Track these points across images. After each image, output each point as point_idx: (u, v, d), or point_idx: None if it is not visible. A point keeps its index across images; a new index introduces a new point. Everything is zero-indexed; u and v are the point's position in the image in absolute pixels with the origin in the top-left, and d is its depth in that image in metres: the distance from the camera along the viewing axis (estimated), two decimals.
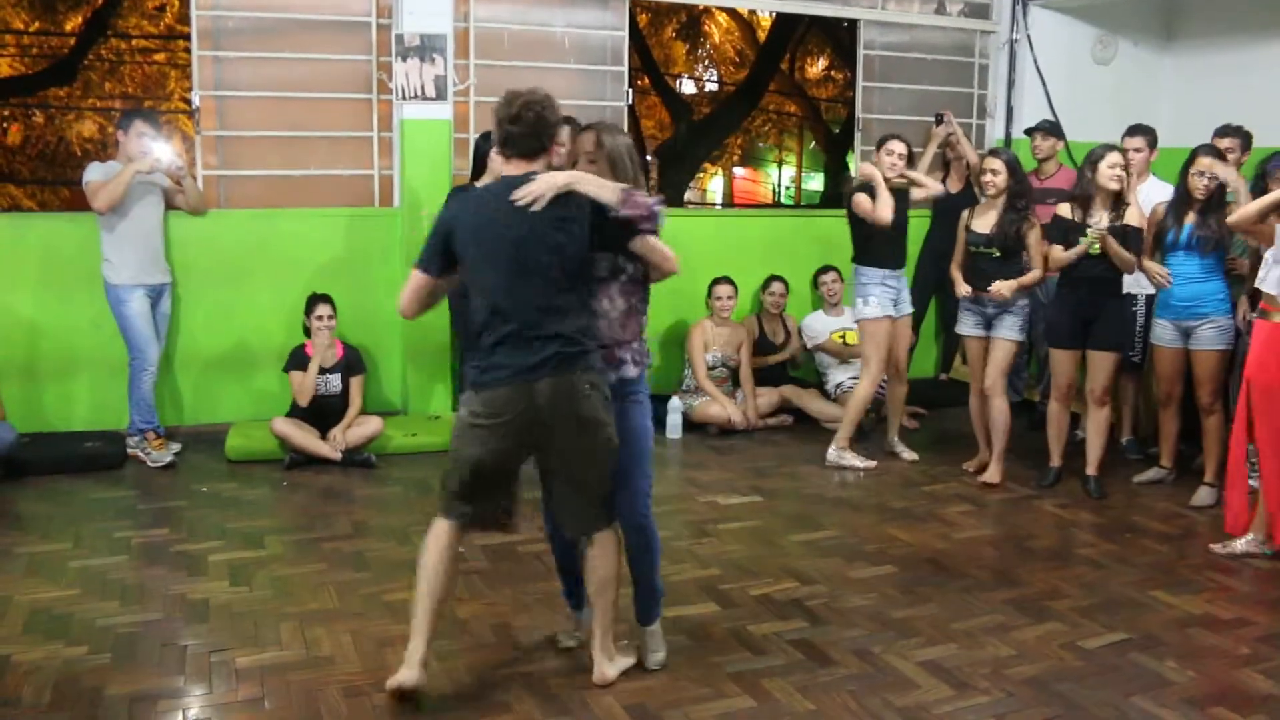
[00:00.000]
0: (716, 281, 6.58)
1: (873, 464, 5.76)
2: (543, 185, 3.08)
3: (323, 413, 5.73)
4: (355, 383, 5.81)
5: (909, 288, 5.95)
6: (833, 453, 5.77)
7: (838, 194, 13.76)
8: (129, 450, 5.70)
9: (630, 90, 6.94)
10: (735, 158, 20.26)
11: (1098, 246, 5.05)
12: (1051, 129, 6.56)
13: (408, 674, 3.12)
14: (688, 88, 17.69)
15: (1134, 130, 5.92)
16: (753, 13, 13.68)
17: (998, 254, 5.36)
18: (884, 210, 5.44)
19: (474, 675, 3.36)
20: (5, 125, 14.86)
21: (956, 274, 5.54)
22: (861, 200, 5.50)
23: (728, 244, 7.09)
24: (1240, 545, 4.50)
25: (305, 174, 6.34)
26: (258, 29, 6.22)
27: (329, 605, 3.89)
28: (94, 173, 5.54)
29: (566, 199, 3.09)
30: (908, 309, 5.87)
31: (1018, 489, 5.41)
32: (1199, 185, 5.04)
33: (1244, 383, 4.54)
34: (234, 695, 3.24)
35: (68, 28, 13.02)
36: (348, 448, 5.64)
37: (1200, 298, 5.10)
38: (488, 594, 4.00)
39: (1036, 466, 5.58)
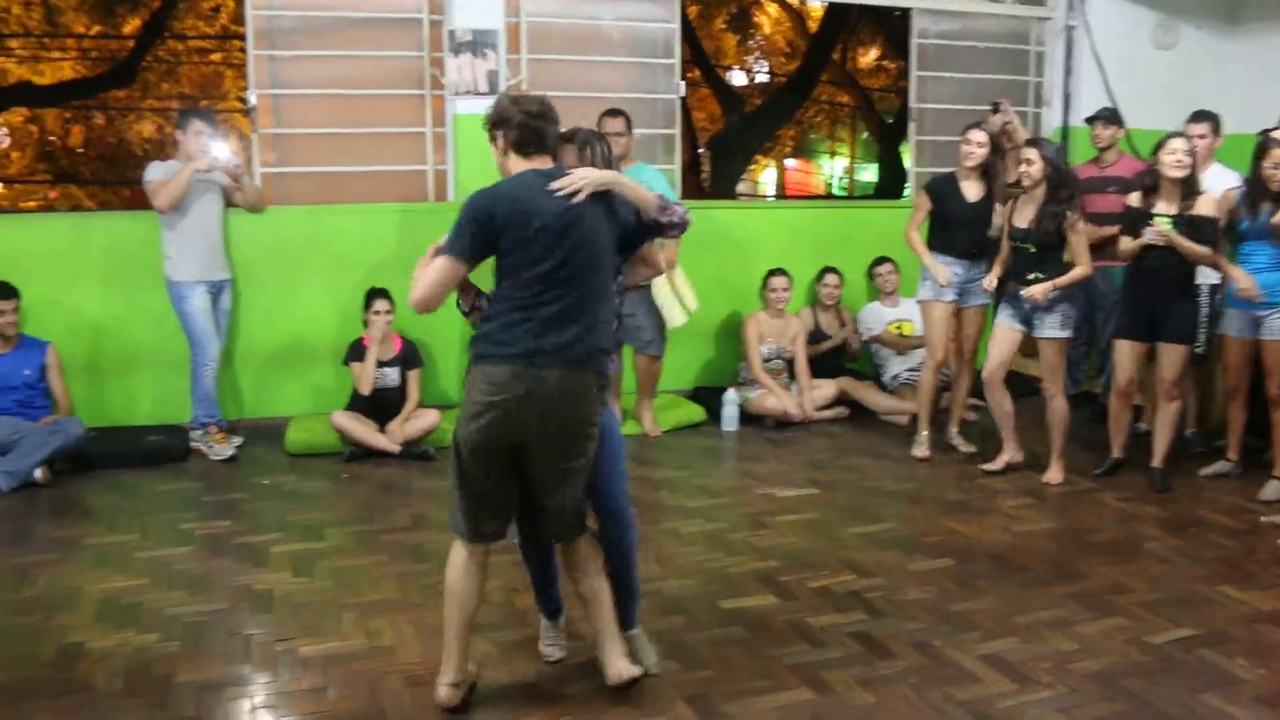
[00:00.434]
0: (771, 273, 6.56)
1: (927, 455, 5.73)
2: (584, 179, 3.06)
3: (381, 406, 5.79)
4: (413, 376, 5.86)
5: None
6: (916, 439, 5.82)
7: (892, 184, 13.72)
8: (192, 444, 5.80)
9: (682, 82, 6.92)
10: (787, 149, 20.17)
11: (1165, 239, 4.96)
12: (1112, 116, 6.45)
13: (452, 693, 3.12)
14: (738, 79, 17.62)
15: (1197, 116, 5.80)
16: (803, 3, 13.60)
17: (1034, 249, 5.20)
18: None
19: (533, 666, 3.38)
20: (68, 127, 15.17)
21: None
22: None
23: (781, 236, 7.07)
24: None
25: (360, 170, 6.41)
26: (312, 27, 6.29)
27: (389, 596, 3.93)
28: (155, 172, 5.63)
29: (603, 197, 3.09)
30: (979, 300, 5.75)
31: (1079, 482, 5.33)
32: (1276, 177, 4.93)
33: None
34: (298, 684, 3.28)
35: (126, 30, 13.25)
36: (406, 440, 5.70)
37: (1271, 287, 5.00)
38: None
39: (1098, 459, 5.49)
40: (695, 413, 6.50)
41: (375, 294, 5.84)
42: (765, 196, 21.06)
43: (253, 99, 6.23)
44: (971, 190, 5.60)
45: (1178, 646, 3.54)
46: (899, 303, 6.89)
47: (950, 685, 3.27)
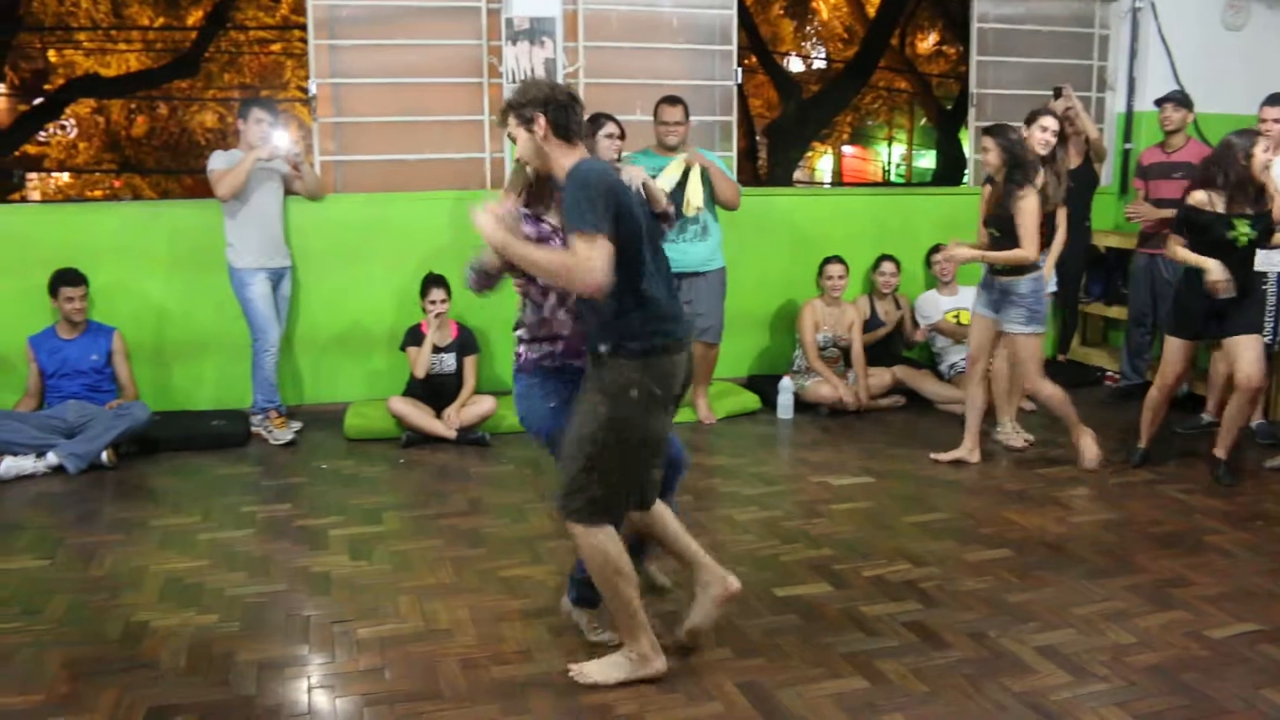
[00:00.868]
0: (827, 261, 6.51)
1: (1028, 440, 5.69)
2: (637, 174, 3.21)
3: (438, 392, 5.85)
4: (469, 362, 5.91)
5: None
6: (998, 431, 5.75)
7: (950, 171, 13.56)
8: (252, 428, 5.90)
9: (739, 69, 6.89)
10: (844, 136, 20.01)
11: (1246, 238, 4.82)
12: (1183, 100, 6.30)
13: (661, 660, 3.22)
14: (795, 66, 17.51)
15: (1274, 99, 5.64)
16: None
17: (997, 234, 5.18)
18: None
19: (588, 650, 3.39)
20: (132, 118, 15.46)
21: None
22: None
23: (838, 224, 7.02)
24: None
25: (418, 158, 6.46)
26: (371, 17, 6.34)
27: (446, 580, 3.97)
28: (217, 161, 5.73)
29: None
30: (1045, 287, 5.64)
31: (1140, 473, 5.24)
32: None
33: None
34: (355, 665, 3.33)
35: (189, 22, 13.46)
36: (462, 426, 5.75)
37: None
38: None
39: (1158, 449, 5.40)
40: (750, 400, 6.49)
41: (432, 281, 5.89)
42: (822, 184, 20.92)
43: (313, 88, 6.31)
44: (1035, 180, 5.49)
45: (1239, 641, 3.48)
46: (957, 291, 6.81)
47: (1005, 676, 3.24)
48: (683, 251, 5.88)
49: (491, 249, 3.17)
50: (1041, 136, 5.47)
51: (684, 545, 3.36)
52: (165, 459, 5.54)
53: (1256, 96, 5.73)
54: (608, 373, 3.08)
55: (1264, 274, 5.39)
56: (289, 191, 6.02)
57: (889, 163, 21.99)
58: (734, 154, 6.92)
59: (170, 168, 15.36)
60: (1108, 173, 7.40)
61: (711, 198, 5.94)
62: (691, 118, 6.00)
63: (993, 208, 5.21)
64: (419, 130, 6.45)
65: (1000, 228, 5.16)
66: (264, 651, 3.41)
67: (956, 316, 6.73)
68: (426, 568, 4.09)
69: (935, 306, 6.80)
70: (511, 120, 3.20)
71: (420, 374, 5.80)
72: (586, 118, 3.56)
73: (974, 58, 7.37)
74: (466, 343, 5.95)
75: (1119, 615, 3.66)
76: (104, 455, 5.32)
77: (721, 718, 3.01)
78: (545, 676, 3.24)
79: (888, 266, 6.76)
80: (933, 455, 5.46)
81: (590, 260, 2.91)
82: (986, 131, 5.24)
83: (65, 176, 15.95)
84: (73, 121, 15.16)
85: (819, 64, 18.02)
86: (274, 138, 5.80)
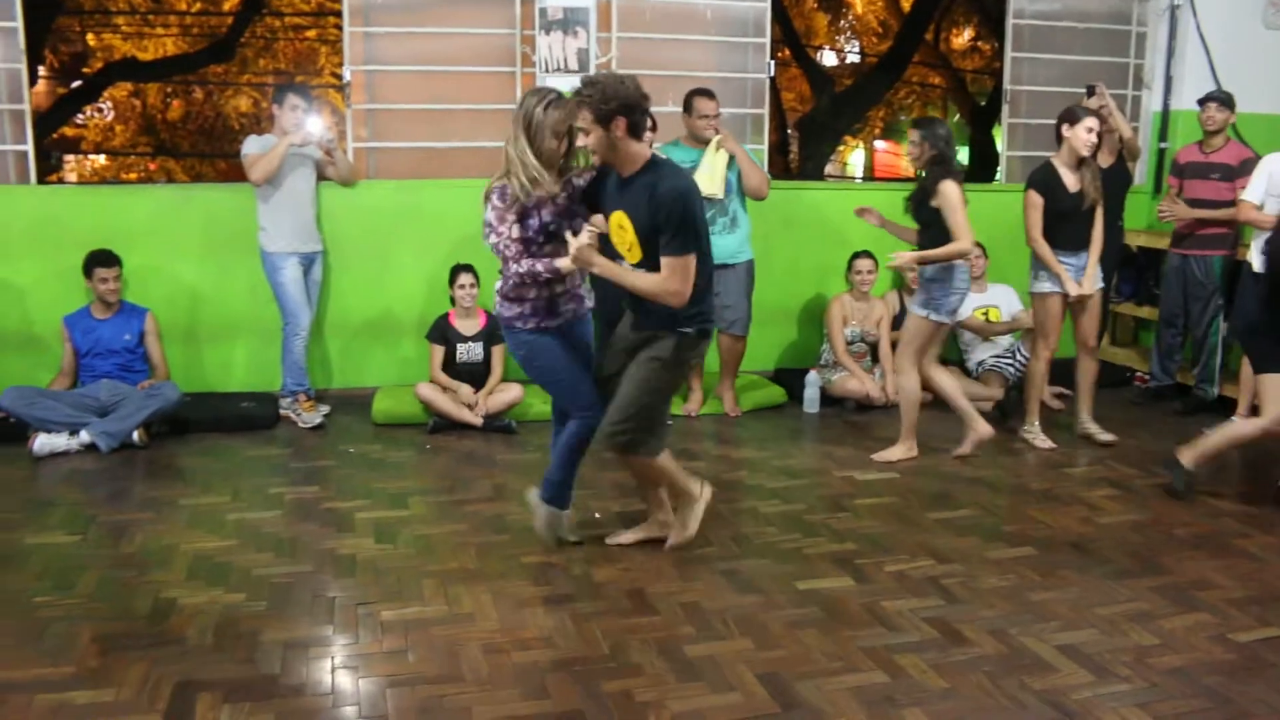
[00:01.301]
0: (856, 255, 6.50)
1: (1052, 445, 5.62)
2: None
3: (465, 377, 5.88)
4: (497, 351, 5.94)
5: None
6: (1025, 430, 5.72)
7: (983, 168, 13.47)
8: (281, 411, 5.96)
9: (772, 62, 6.87)
10: (877, 131, 19.89)
11: None
12: (1226, 100, 6.22)
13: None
14: (829, 59, 17.42)
15: None
16: None
17: (920, 227, 5.23)
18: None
19: (609, 638, 3.42)
20: (168, 102, 15.57)
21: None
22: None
23: None
24: None
25: (450, 146, 6.49)
26: (406, 5, 6.38)
27: (470, 565, 4.00)
28: (251, 146, 5.77)
29: None
30: (1091, 285, 5.54)
31: (1165, 474, 5.20)
32: None
33: None
34: (379, 646, 3.37)
35: (226, 7, 13.54)
36: (489, 413, 5.78)
37: None
38: (623, 559, 4.06)
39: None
40: (777, 394, 6.48)
41: (460, 269, 5.92)
42: (853, 178, 20.81)
43: (347, 75, 6.35)
44: (1071, 180, 5.45)
45: (1265, 646, 3.45)
46: (986, 288, 6.78)
47: (1026, 674, 3.23)
48: (711, 243, 5.86)
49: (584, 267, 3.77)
50: (1086, 138, 5.37)
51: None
52: (195, 439, 5.60)
53: None
54: (668, 347, 3.79)
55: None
56: (322, 177, 6.06)
57: None
58: (765, 147, 6.91)
59: (204, 152, 15.47)
60: (1141, 171, 7.34)
61: (740, 189, 5.94)
62: (724, 110, 6.00)
63: (916, 201, 5.25)
64: (451, 118, 6.48)
65: (923, 220, 5.20)
66: (289, 631, 3.45)
67: (985, 313, 6.70)
68: (450, 552, 4.12)
69: (964, 303, 6.76)
70: (586, 115, 3.53)
71: (434, 377, 5.91)
72: None
73: (1009, 54, 7.32)
74: (495, 331, 5.97)
75: (1143, 616, 3.64)
76: (135, 434, 5.39)
77: (741, 708, 3.02)
78: (567, 662, 3.26)
79: None
80: (874, 456, 5.45)
81: (684, 281, 3.62)
82: (915, 124, 5.28)
83: (101, 159, 16.09)
84: (109, 105, 15.28)
85: (852, 58, 17.92)
86: (308, 124, 5.84)
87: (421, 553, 4.13)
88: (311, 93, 6.42)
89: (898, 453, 5.37)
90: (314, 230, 6.04)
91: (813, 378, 6.36)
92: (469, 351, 5.90)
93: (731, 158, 5.84)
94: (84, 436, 5.32)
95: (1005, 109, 7.42)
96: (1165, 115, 7.30)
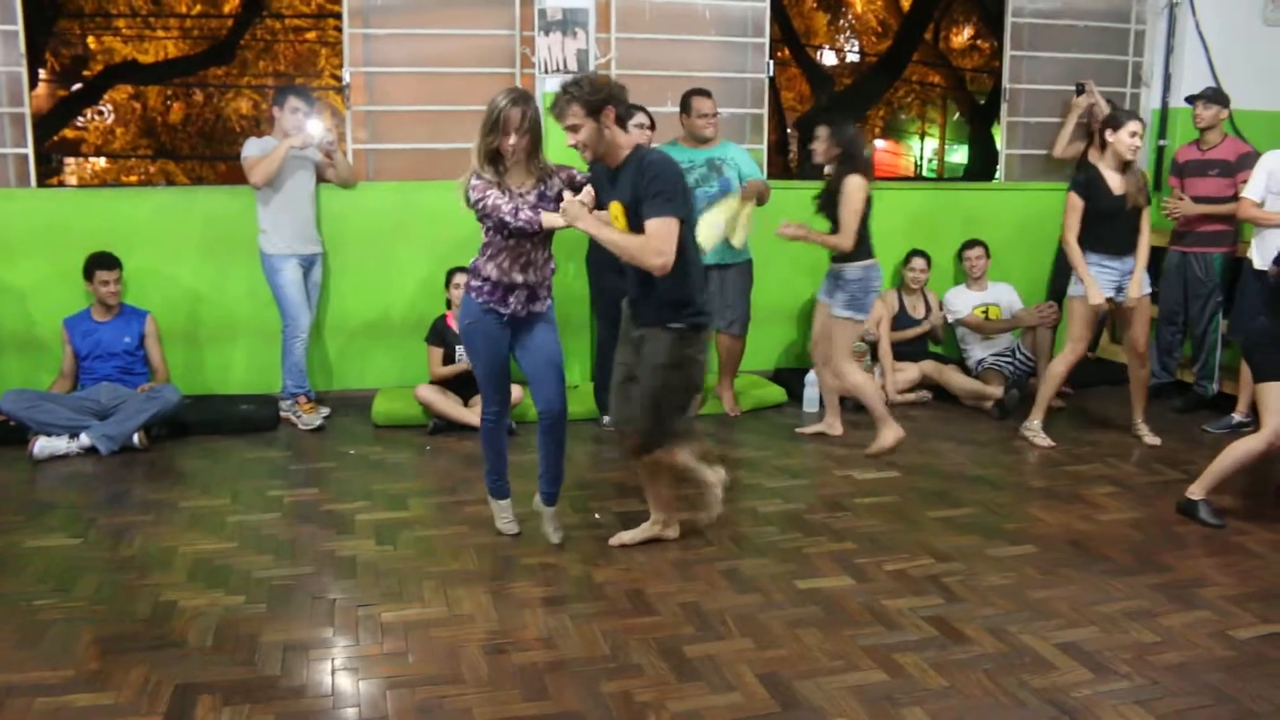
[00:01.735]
0: None
1: (1052, 444, 5.60)
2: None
3: (465, 381, 5.87)
4: None
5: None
6: (1026, 427, 5.71)
7: (983, 166, 13.46)
8: (281, 413, 5.96)
9: (771, 62, 6.87)
10: (877, 130, 19.88)
11: None
12: (1214, 96, 6.24)
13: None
14: (828, 59, 17.41)
15: None
16: None
17: (830, 222, 5.34)
18: None
19: (609, 638, 3.42)
20: (168, 104, 15.58)
21: None
22: None
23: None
24: None
25: (450, 147, 6.48)
26: (405, 6, 6.37)
27: (469, 566, 4.00)
28: (251, 148, 5.78)
29: None
30: (1138, 291, 5.52)
31: (1166, 472, 5.21)
32: None
33: None
34: (379, 648, 3.37)
35: (226, 10, 13.55)
36: None
37: None
38: (622, 559, 4.06)
39: (1187, 448, 5.36)
40: (776, 394, 6.48)
41: (456, 270, 5.92)
42: None
43: (347, 76, 6.35)
44: (1116, 183, 5.42)
45: (1265, 643, 3.45)
46: (986, 287, 6.79)
47: (1025, 672, 3.23)
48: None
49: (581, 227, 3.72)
50: (1130, 142, 5.31)
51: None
52: (195, 442, 5.61)
53: None
54: (662, 349, 3.84)
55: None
56: (321, 179, 6.06)
57: (921, 157, 21.84)
58: (764, 147, 6.91)
59: (204, 154, 15.48)
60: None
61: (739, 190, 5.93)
62: (724, 110, 6.01)
63: (825, 200, 5.36)
64: (451, 120, 6.47)
65: (834, 218, 5.30)
66: (289, 633, 3.45)
67: (985, 311, 6.70)
68: (450, 554, 4.13)
69: (964, 301, 6.77)
70: (576, 110, 3.64)
71: (436, 379, 5.91)
72: None
73: (1008, 52, 7.31)
74: None
75: (1142, 614, 3.64)
76: (135, 437, 5.40)
77: (741, 708, 3.03)
78: (567, 663, 3.26)
79: (918, 263, 6.73)
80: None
81: (667, 242, 3.60)
82: (823, 123, 5.35)
83: (102, 161, 16.10)
84: (110, 107, 15.29)
85: (852, 57, 17.91)
86: (308, 126, 5.84)
87: (422, 554, 4.13)
88: (312, 95, 6.42)
89: (888, 438, 5.31)
90: (314, 232, 6.04)
91: (812, 377, 6.35)
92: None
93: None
94: (84, 439, 5.32)
95: (1004, 107, 7.41)
96: (1164, 113, 7.29)
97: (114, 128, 15.73)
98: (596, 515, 4.52)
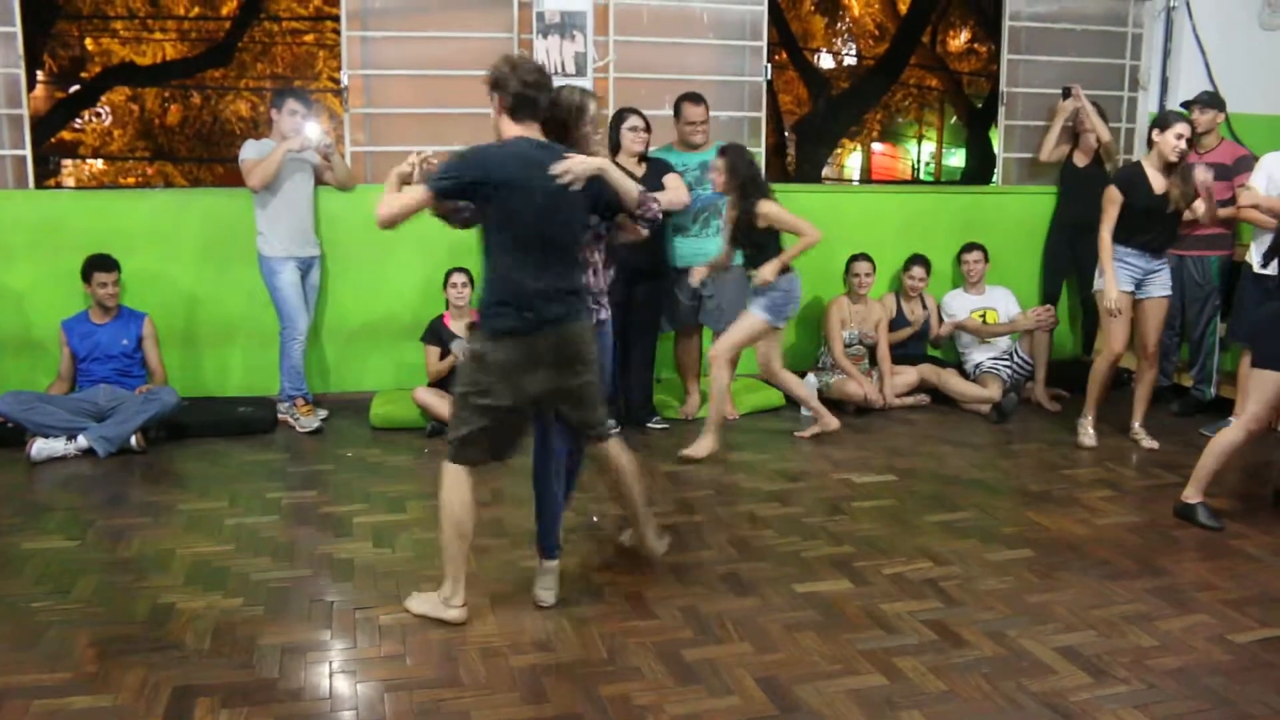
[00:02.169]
0: (854, 258, 6.51)
1: (1094, 444, 5.65)
2: (582, 168, 3.47)
3: None
4: None
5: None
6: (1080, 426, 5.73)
7: (980, 170, 13.48)
8: (279, 415, 5.96)
9: (769, 65, 6.88)
10: (874, 133, 19.90)
11: None
12: (1210, 100, 6.25)
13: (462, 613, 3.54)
14: (826, 62, 17.43)
15: None
16: None
17: (750, 250, 5.33)
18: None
19: (607, 641, 3.42)
20: (166, 106, 15.56)
21: None
22: None
23: (866, 221, 7.01)
24: None
25: (448, 149, 6.46)
26: (403, 9, 6.38)
27: (468, 569, 3.98)
28: (249, 151, 5.78)
29: (590, 179, 3.50)
30: (1159, 292, 5.51)
31: (1164, 475, 5.22)
32: None
33: None
34: (377, 650, 3.37)
35: (224, 12, 13.54)
36: None
37: None
38: (620, 562, 4.06)
39: (1185, 452, 5.36)
40: (774, 397, 6.48)
41: (454, 270, 5.94)
42: (851, 181, 20.82)
43: (345, 79, 6.35)
44: (1159, 183, 5.39)
45: (1264, 647, 3.46)
46: (984, 290, 6.80)
47: (1024, 676, 3.23)
48: (705, 246, 5.89)
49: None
50: (1175, 143, 5.31)
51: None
52: (193, 444, 5.60)
53: None
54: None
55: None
56: (319, 182, 6.06)
57: (918, 160, 21.86)
58: (762, 150, 6.91)
59: (202, 156, 15.46)
60: None
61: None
62: (722, 113, 6.01)
63: (739, 229, 5.30)
64: (449, 122, 6.47)
65: (756, 243, 5.28)
66: (287, 635, 3.45)
67: (983, 315, 6.71)
68: None
69: (962, 305, 6.78)
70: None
71: (432, 379, 5.89)
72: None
73: (1005, 56, 7.33)
74: None
75: (1141, 618, 3.64)
76: (133, 439, 5.39)
77: (740, 711, 3.02)
78: (564, 667, 3.26)
79: (917, 270, 6.73)
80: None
81: (394, 200, 3.63)
82: (720, 152, 5.26)
83: (99, 163, 16.08)
84: (107, 109, 15.27)
85: (849, 61, 17.92)
86: (306, 128, 5.84)
87: (419, 556, 4.12)
88: (310, 97, 6.41)
89: (706, 447, 5.37)
90: (312, 235, 6.04)
91: (810, 380, 6.35)
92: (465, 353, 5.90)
93: None
94: (82, 441, 5.32)
95: (1002, 111, 7.42)
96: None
97: (112, 129, 15.71)
98: (595, 519, 4.52)
